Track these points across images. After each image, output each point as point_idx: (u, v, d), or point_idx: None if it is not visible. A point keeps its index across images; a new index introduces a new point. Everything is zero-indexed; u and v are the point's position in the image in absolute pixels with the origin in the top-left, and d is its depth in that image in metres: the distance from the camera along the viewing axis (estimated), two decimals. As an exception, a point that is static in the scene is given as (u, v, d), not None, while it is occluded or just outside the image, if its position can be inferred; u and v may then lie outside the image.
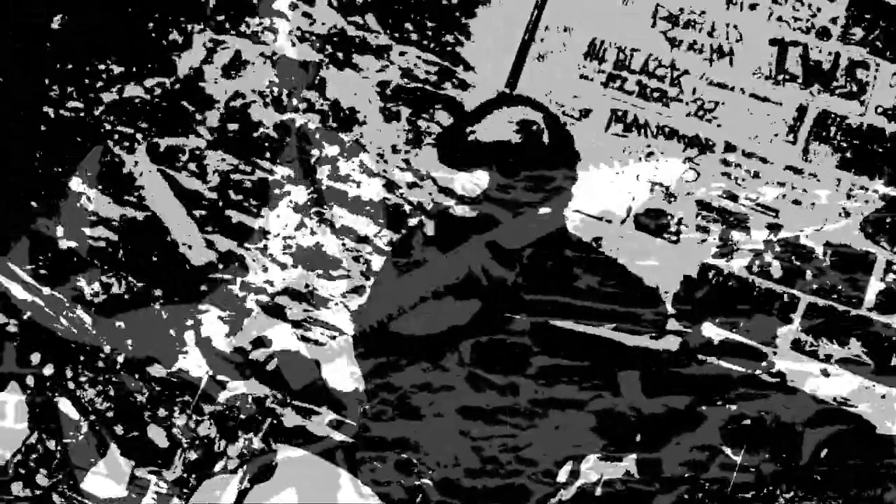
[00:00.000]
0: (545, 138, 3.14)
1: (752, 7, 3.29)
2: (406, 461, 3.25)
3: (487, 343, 3.20)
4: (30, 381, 3.40)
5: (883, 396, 3.28)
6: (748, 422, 3.25)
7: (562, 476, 3.24)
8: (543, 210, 3.05)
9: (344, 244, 3.43)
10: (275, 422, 3.29)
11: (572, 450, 3.26)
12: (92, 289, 3.44)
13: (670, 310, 3.28)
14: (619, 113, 3.36)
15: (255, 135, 3.48)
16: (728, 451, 3.24)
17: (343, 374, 3.31)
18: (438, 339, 3.22)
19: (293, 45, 3.48)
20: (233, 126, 3.49)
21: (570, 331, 3.22)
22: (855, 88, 3.27)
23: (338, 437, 3.30)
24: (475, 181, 3.14)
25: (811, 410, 3.27)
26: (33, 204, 3.50)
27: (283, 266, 3.46)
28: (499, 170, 3.15)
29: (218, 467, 3.29)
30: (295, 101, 3.31)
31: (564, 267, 3.20)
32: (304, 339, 3.41)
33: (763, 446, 3.25)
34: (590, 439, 3.25)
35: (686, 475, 3.24)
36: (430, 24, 3.42)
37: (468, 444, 3.24)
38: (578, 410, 3.24)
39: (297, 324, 3.43)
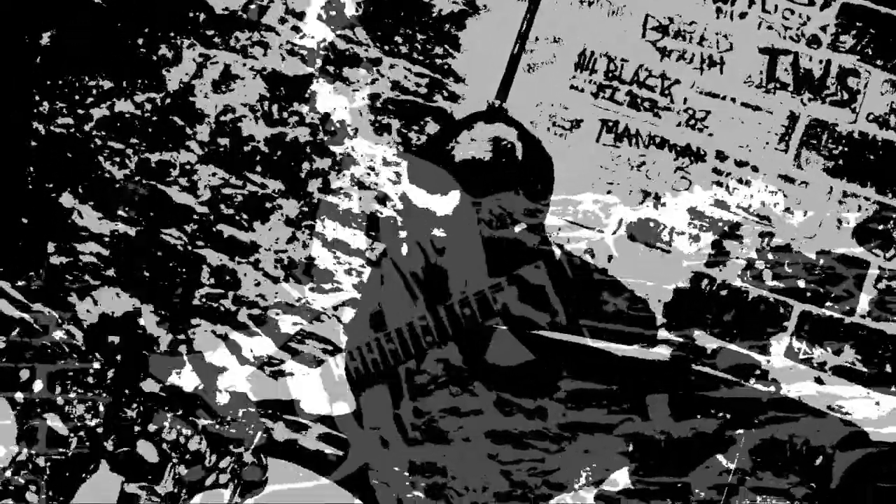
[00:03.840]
0: (518, 154, 3.11)
1: (742, 16, 3.29)
2: (434, 485, 3.23)
3: (516, 367, 3.19)
4: (18, 397, 3.39)
5: (878, 403, 3.26)
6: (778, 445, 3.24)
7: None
8: (519, 227, 3.02)
9: (336, 257, 3.42)
10: (265, 436, 3.27)
11: (601, 473, 3.25)
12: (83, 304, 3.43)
13: (661, 319, 3.26)
14: (610, 123, 3.36)
15: (246, 149, 3.48)
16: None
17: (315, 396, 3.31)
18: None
19: (283, 59, 3.47)
20: (223, 140, 3.49)
21: (598, 355, 3.20)
22: (846, 96, 3.27)
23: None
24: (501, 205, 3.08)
25: (842, 433, 3.26)
26: (24, 221, 3.49)
27: (276, 280, 3.45)
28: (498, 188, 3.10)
29: (209, 482, 3.27)
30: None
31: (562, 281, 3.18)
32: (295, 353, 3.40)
33: (793, 470, 3.24)
34: (619, 463, 3.24)
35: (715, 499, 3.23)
36: (420, 37, 3.42)
37: (497, 468, 3.22)
38: (607, 434, 3.24)
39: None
